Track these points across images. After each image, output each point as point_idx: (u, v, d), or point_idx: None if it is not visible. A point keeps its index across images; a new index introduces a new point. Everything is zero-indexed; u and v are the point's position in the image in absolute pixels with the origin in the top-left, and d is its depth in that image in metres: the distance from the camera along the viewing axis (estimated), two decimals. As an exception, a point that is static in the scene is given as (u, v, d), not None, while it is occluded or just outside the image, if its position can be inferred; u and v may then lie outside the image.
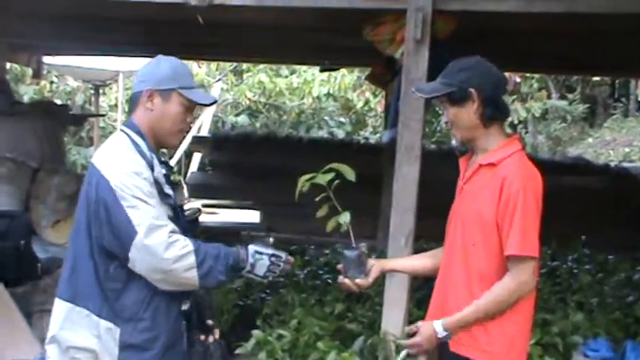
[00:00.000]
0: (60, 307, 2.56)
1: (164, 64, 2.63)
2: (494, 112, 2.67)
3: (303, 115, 15.29)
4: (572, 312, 5.64)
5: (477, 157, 2.76)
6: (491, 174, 2.64)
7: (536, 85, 14.83)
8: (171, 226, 2.50)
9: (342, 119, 15.29)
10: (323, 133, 14.53)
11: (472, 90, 2.64)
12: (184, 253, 2.47)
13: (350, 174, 2.78)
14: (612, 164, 10.65)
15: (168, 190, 2.56)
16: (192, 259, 2.47)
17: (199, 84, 2.75)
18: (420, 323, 2.72)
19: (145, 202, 2.44)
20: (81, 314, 2.50)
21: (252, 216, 9.83)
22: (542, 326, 5.29)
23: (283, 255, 2.69)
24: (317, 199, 2.79)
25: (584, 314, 5.69)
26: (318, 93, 14.15)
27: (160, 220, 2.47)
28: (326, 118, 15.13)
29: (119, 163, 2.48)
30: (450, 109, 2.72)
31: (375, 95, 14.36)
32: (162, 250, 2.43)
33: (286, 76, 14.88)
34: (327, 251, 7.72)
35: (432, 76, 3.25)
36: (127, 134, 2.59)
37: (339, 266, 2.84)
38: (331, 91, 14.26)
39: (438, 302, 2.84)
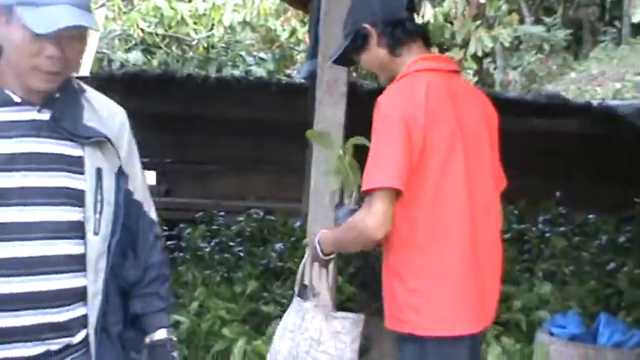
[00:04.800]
0: None
1: None
2: (398, 35, 2.84)
3: (214, 50, 15.17)
4: (540, 283, 5.84)
5: None
6: None
7: (505, 8, 14.96)
8: None
9: (262, 55, 15.21)
10: (240, 73, 14.45)
11: (365, 26, 2.85)
12: None
13: None
14: (595, 103, 10.85)
15: None
16: None
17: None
18: None
19: None
20: None
21: (147, 177, 9.82)
22: (502, 301, 5.48)
23: None
24: None
25: (555, 285, 5.91)
26: (230, 22, 14.01)
27: None
28: (242, 53, 15.02)
29: None
30: (361, 59, 2.95)
31: (303, 23, 14.29)
32: None
33: (189, 0, 14.73)
34: (240, 218, 7.80)
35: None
36: None
37: None
38: (248, 19, 14.15)
39: None
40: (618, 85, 15.01)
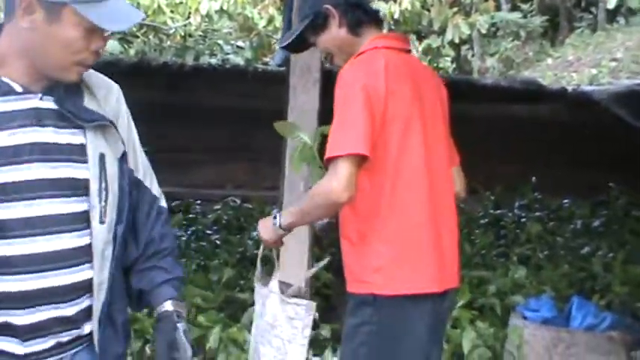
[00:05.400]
0: None
1: None
2: (359, 15, 2.95)
3: (191, 38, 15.08)
4: (514, 268, 5.88)
5: None
6: None
7: (481, -6, 14.97)
8: None
9: (240, 43, 15.14)
10: (217, 61, 14.39)
11: (328, 6, 2.93)
12: None
13: None
14: (570, 88, 10.90)
15: None
16: None
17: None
18: None
19: None
20: None
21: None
22: (477, 286, 5.52)
23: None
24: None
25: (530, 270, 5.95)
26: (207, 10, 13.90)
27: None
28: (220, 42, 14.96)
29: None
30: (318, 40, 3.01)
31: (281, 11, 14.26)
32: None
33: (166, -11, 14.63)
34: (217, 207, 7.79)
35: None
36: None
37: None
38: (225, 8, 14.05)
39: None
40: (594, 71, 15.03)
